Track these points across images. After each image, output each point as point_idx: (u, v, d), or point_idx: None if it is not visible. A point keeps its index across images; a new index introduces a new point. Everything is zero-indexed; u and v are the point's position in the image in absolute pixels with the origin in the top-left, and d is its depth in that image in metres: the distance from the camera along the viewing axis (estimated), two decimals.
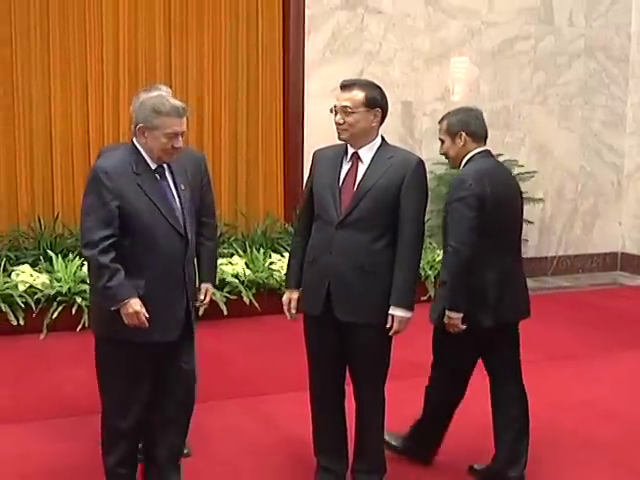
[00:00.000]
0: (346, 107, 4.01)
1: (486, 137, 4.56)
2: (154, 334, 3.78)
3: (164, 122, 3.78)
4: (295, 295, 4.22)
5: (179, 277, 3.89)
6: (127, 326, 3.71)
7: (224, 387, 5.75)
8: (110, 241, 3.71)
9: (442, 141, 4.56)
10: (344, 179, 4.07)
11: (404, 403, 5.18)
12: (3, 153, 7.91)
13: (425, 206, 4.16)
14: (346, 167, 4.09)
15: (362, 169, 4.06)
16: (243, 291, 7.45)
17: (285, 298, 4.26)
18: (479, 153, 4.42)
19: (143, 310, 3.69)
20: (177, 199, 3.93)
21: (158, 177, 3.90)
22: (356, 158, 4.08)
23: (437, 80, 9.46)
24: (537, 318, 7.87)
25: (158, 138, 3.80)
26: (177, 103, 3.83)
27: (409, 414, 5.24)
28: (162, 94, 3.96)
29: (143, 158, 3.86)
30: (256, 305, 7.34)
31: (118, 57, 8.22)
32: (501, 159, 9.26)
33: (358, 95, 4.00)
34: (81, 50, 8.09)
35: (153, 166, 3.87)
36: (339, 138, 4.11)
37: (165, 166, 3.93)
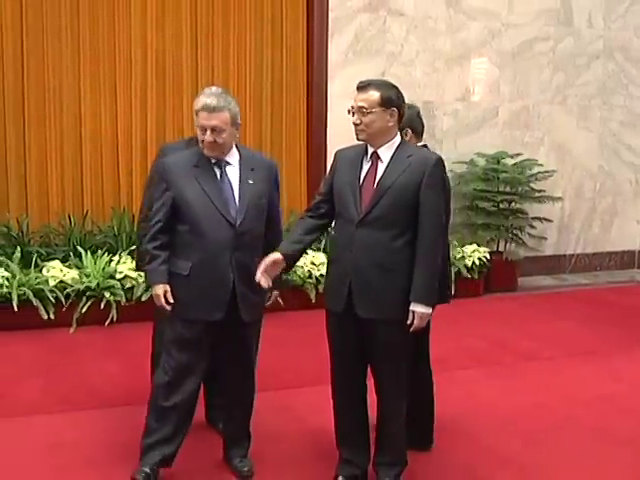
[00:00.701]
0: (362, 107, 4.00)
1: (423, 133, 4.85)
2: (198, 312, 4.18)
3: (199, 116, 4.20)
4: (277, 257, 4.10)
5: (225, 263, 4.17)
6: (178, 305, 4.16)
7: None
8: (158, 227, 4.19)
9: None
10: (364, 178, 4.07)
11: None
12: (35, 153, 7.97)
13: (445, 203, 4.17)
14: (366, 166, 4.09)
15: (382, 168, 4.05)
16: None
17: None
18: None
19: (167, 296, 4.15)
20: (237, 192, 4.26)
21: (218, 170, 4.27)
22: (376, 157, 4.08)
23: (458, 80, 9.45)
24: (556, 315, 8.00)
25: (198, 131, 4.24)
26: (208, 100, 4.20)
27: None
28: (207, 90, 4.32)
29: (203, 152, 4.26)
30: (280, 301, 7.36)
31: (146, 58, 8.25)
32: (520, 158, 9.32)
33: (374, 95, 4.00)
34: (110, 51, 8.13)
35: (213, 160, 4.27)
36: (357, 138, 4.12)
37: (231, 161, 4.30)
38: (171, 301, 4.16)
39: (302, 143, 8.89)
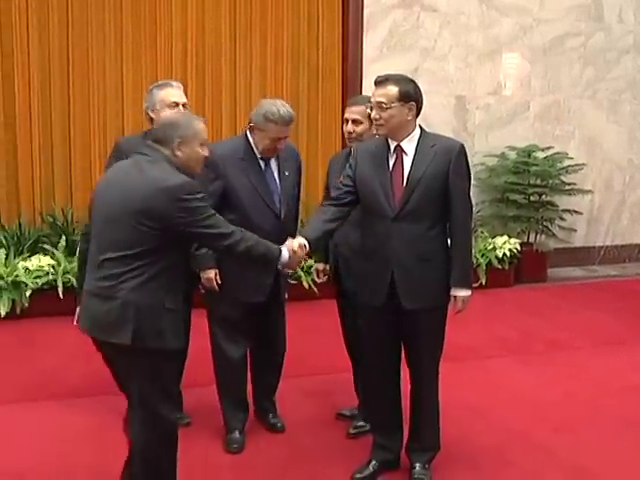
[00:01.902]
0: (381, 103, 3.97)
1: None
2: (246, 295, 4.49)
3: (271, 128, 4.38)
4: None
5: None
6: (225, 288, 4.47)
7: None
8: None
9: (358, 122, 4.60)
10: (392, 172, 4.04)
11: (456, 384, 5.22)
12: (79, 145, 8.00)
13: (469, 187, 4.14)
14: (392, 161, 4.05)
15: (408, 161, 4.02)
16: (303, 276, 7.59)
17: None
18: None
19: (216, 278, 4.48)
20: (278, 183, 4.52)
21: (263, 164, 4.51)
22: (400, 151, 4.04)
23: (490, 75, 9.40)
24: (585, 306, 7.96)
25: (263, 139, 4.43)
26: (285, 112, 4.38)
27: (461, 394, 5.28)
28: (277, 102, 4.47)
29: (251, 148, 4.49)
30: (315, 290, 7.41)
31: (186, 53, 8.27)
32: (551, 151, 9.27)
33: (392, 90, 3.96)
34: (152, 46, 8.16)
35: (259, 155, 4.50)
36: (376, 133, 4.11)
37: None
38: (219, 282, 4.47)
39: (338, 137, 8.86)
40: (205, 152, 3.63)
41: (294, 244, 3.92)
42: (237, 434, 4.66)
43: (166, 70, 8.19)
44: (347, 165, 4.23)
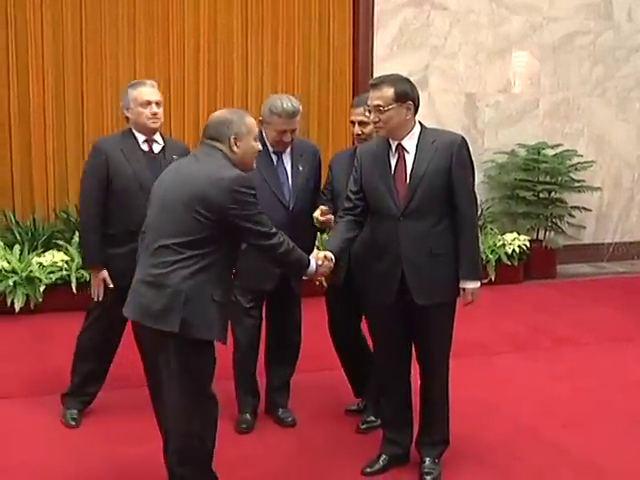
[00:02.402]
0: (379, 106, 3.95)
1: None
2: (256, 282, 4.60)
3: (275, 120, 4.51)
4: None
5: None
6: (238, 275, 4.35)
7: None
8: None
9: (365, 124, 4.58)
10: (395, 171, 4.04)
11: (465, 380, 5.21)
12: (93, 141, 7.93)
13: (474, 180, 4.14)
14: (394, 160, 4.05)
15: (410, 159, 4.02)
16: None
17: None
18: None
19: None
20: (289, 177, 4.64)
21: (275, 158, 4.64)
22: (401, 149, 4.04)
23: (499, 73, 9.37)
24: (594, 302, 7.93)
25: (270, 132, 4.56)
26: (288, 106, 4.49)
27: (470, 390, 5.27)
28: (283, 96, 4.63)
29: (264, 142, 4.53)
30: (324, 285, 7.39)
31: (198, 49, 8.27)
32: (561, 149, 9.25)
33: (388, 92, 3.94)
34: (164, 42, 8.17)
35: (271, 149, 4.63)
36: (377, 135, 4.12)
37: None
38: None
39: (348, 135, 8.81)
40: (259, 146, 3.72)
41: (320, 255, 3.94)
42: (247, 416, 4.80)
43: (178, 66, 8.22)
44: (353, 169, 4.25)
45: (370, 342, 4.54)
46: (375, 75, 8.57)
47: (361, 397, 5.01)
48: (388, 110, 3.94)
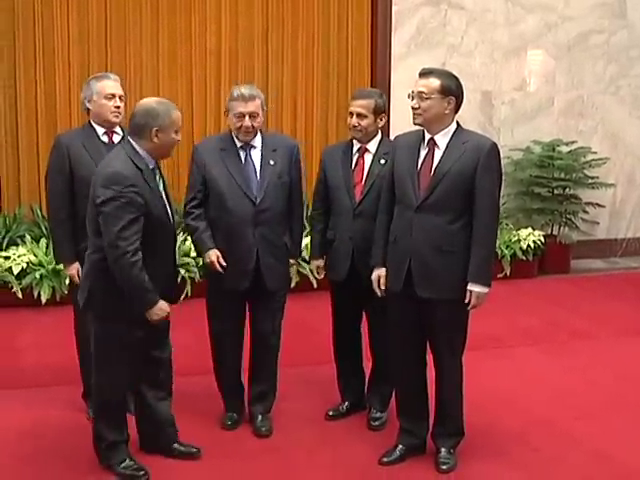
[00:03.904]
0: (422, 92, 3.98)
1: None
2: (228, 282, 4.43)
3: (233, 105, 4.43)
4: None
5: (248, 236, 4.40)
6: (215, 277, 4.44)
7: (308, 353, 5.82)
8: (193, 203, 4.48)
9: (363, 116, 4.55)
10: (422, 164, 4.05)
11: (481, 372, 5.20)
12: None
13: (500, 187, 4.10)
14: (423, 152, 4.06)
15: (438, 154, 4.03)
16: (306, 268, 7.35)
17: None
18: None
19: (219, 260, 4.37)
20: (259, 172, 4.47)
21: (243, 153, 4.50)
22: (432, 144, 4.05)
23: (515, 71, 9.33)
24: (607, 297, 7.89)
25: (232, 119, 4.47)
26: (244, 90, 4.42)
27: (485, 382, 5.26)
28: (241, 85, 4.61)
29: (232, 139, 4.51)
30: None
31: (220, 50, 8.28)
32: (575, 146, 9.20)
33: (434, 82, 3.97)
34: (187, 42, 8.17)
35: (239, 144, 4.50)
36: (414, 122, 4.10)
37: (254, 144, 4.50)
38: (224, 264, 4.36)
39: None
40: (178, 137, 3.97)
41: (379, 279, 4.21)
42: (234, 415, 4.70)
43: (200, 65, 8.23)
44: (389, 159, 4.28)
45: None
46: (393, 74, 8.61)
47: (346, 399, 4.92)
48: (430, 99, 3.96)
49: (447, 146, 4.03)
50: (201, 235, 4.44)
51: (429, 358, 4.26)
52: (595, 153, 9.32)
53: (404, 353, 4.24)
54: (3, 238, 7.36)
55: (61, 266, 6.81)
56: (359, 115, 4.56)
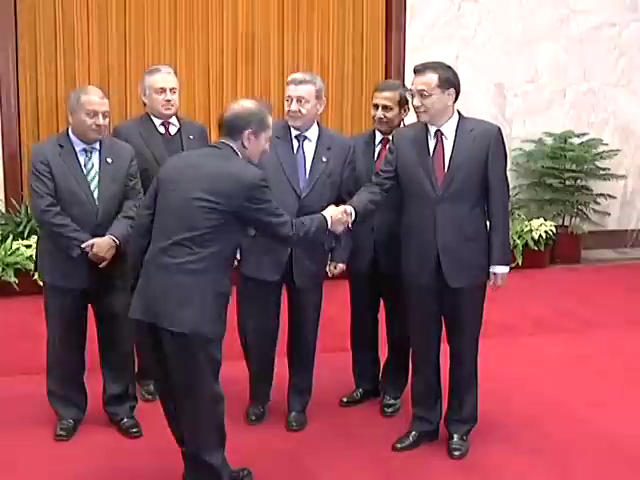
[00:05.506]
0: (422, 91, 3.96)
1: None
2: (262, 273, 4.34)
3: (286, 90, 4.38)
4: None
5: None
6: (245, 264, 4.39)
7: (327, 341, 5.80)
8: None
9: (389, 108, 4.54)
10: (433, 156, 4.04)
11: (493, 360, 5.19)
12: None
13: (506, 168, 4.16)
14: (432, 144, 4.05)
15: (448, 145, 4.03)
16: None
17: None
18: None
19: None
20: (308, 166, 4.34)
21: (296, 144, 4.38)
22: (440, 135, 4.05)
23: (527, 64, 9.28)
24: (617, 286, 7.86)
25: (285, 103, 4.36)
26: (297, 75, 4.40)
27: (497, 370, 5.26)
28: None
29: (287, 126, 4.38)
30: None
31: (237, 39, 8.27)
32: (587, 138, 9.16)
33: (432, 78, 3.95)
34: (204, 31, 8.17)
35: (294, 133, 4.34)
36: (418, 120, 4.10)
37: (310, 136, 4.37)
38: (238, 258, 4.21)
39: None
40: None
41: (340, 209, 3.90)
42: (258, 407, 4.63)
43: (217, 54, 8.22)
44: (387, 151, 4.25)
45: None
46: (407, 67, 8.57)
47: (360, 386, 4.92)
48: (431, 95, 3.94)
49: (455, 135, 4.04)
50: None
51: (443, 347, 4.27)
52: (606, 145, 9.27)
53: (422, 341, 4.26)
54: (25, 227, 7.37)
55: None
56: (385, 107, 4.55)
